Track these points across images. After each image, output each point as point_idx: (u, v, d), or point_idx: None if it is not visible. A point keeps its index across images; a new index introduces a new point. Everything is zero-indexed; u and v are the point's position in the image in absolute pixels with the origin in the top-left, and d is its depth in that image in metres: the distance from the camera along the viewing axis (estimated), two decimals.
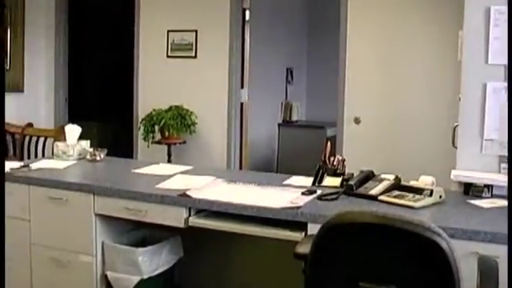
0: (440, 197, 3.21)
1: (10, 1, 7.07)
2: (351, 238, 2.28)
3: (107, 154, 4.63)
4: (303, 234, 3.04)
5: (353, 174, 3.59)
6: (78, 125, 4.71)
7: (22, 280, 4.09)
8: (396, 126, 5.71)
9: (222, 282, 3.99)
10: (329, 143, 3.83)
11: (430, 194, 3.17)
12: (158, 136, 6.31)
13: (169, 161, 6.18)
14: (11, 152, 7.10)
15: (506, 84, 3.33)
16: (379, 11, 5.75)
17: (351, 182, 3.42)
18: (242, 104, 6.62)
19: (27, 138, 7.05)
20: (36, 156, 6.85)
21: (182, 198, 3.39)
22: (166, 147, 6.30)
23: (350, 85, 5.86)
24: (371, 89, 5.79)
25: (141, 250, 3.65)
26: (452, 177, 3.49)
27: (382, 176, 3.47)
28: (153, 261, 3.68)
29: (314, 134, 7.95)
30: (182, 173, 4.09)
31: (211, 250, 3.97)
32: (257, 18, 6.99)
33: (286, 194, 3.41)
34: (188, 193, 3.44)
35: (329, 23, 7.31)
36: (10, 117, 7.01)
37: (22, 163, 4.41)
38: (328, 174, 3.67)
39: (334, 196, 3.31)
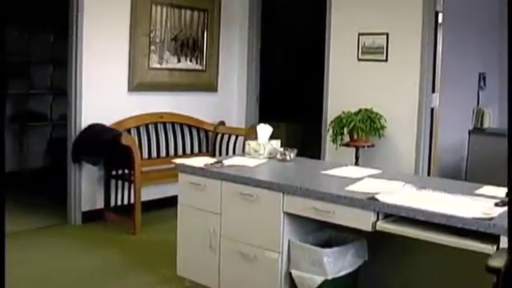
0: None
1: (207, 4, 7.39)
2: None
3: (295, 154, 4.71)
4: (495, 247, 2.92)
5: None
6: (268, 124, 4.83)
7: (210, 270, 4.28)
8: None
9: None
10: None
11: None
12: (346, 138, 6.31)
13: (356, 163, 6.16)
14: (204, 148, 7.42)
15: None
16: None
17: None
18: (432, 109, 6.45)
19: (219, 136, 7.34)
20: (227, 153, 7.11)
21: (370, 202, 3.37)
22: (353, 150, 6.28)
23: None
24: None
25: (326, 250, 3.67)
26: None
27: None
28: (337, 262, 3.69)
29: (506, 143, 7.58)
30: (371, 176, 4.07)
31: (396, 256, 3.91)
32: (450, 21, 6.77)
33: (478, 204, 3.28)
34: (377, 196, 3.41)
35: None
36: (204, 115, 7.37)
37: (215, 159, 4.59)
38: None
39: None
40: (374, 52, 6.52)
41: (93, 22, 6.25)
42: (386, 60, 6.42)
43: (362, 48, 6.62)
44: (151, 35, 6.81)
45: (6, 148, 7.35)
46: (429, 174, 6.38)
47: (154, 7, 6.79)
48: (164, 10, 6.92)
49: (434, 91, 6.41)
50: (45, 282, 4.77)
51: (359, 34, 6.62)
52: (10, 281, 4.80)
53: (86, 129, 6.27)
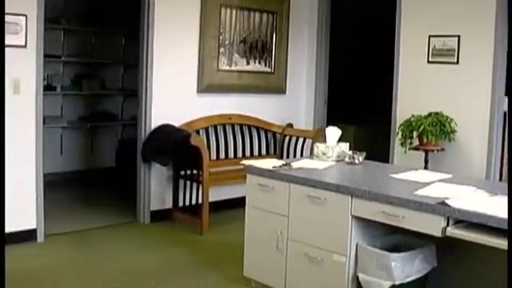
0: None
1: (276, 6, 7.41)
2: None
3: None
4: None
5: None
6: (336, 126, 4.81)
7: (276, 271, 4.30)
8: None
9: None
10: None
11: None
12: (415, 142, 6.23)
13: (425, 167, 6.07)
14: (272, 150, 7.43)
15: None
16: None
17: None
18: (504, 113, 6.31)
19: (287, 138, 7.34)
20: (294, 155, 7.11)
21: (440, 207, 3.32)
22: (423, 154, 6.19)
23: None
24: None
25: (394, 255, 3.64)
26: None
27: None
28: (405, 267, 3.65)
29: None
30: (441, 181, 4.01)
31: (466, 263, 3.84)
32: None
33: None
34: (447, 201, 3.35)
35: None
36: (272, 117, 7.39)
37: (283, 161, 4.60)
38: None
39: None
40: (444, 54, 6.42)
41: (163, 25, 6.35)
42: (457, 62, 6.30)
43: (432, 50, 6.52)
44: (220, 37, 6.87)
45: (75, 147, 7.46)
46: (501, 179, 6.25)
47: (223, 10, 6.85)
48: (233, 12, 6.97)
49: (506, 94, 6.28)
50: (113, 278, 4.86)
51: (429, 36, 6.52)
52: (79, 277, 4.96)
53: (155, 129, 6.37)
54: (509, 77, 6.10)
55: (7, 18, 5.25)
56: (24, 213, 5.58)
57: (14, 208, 5.49)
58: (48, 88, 7.64)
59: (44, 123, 5.89)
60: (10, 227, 5.41)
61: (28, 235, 5.59)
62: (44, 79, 6.12)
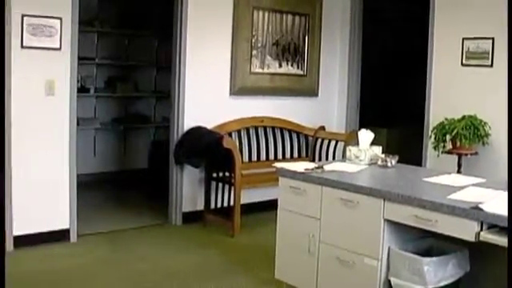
0: None
1: (308, 8, 7.41)
2: None
3: None
4: None
5: None
6: (368, 129, 4.79)
7: (308, 274, 4.29)
8: None
9: None
10: None
11: None
12: (448, 146, 6.18)
13: (458, 171, 6.01)
14: (304, 153, 7.42)
15: None
16: None
17: None
18: None
19: (319, 141, 7.33)
20: (326, 158, 7.09)
21: (474, 211, 3.28)
22: (456, 157, 6.14)
23: None
24: None
25: (427, 259, 3.61)
26: None
27: None
28: (438, 272, 3.62)
29: None
30: (475, 185, 3.97)
31: (500, 268, 3.78)
32: None
33: None
34: (481, 206, 3.31)
35: None
36: (304, 120, 7.38)
37: (315, 164, 4.58)
38: None
39: None
40: (478, 57, 6.35)
41: (196, 28, 6.39)
42: (492, 65, 6.24)
43: (465, 53, 6.45)
44: (253, 40, 6.89)
45: (108, 149, 7.55)
46: None
47: (255, 12, 6.86)
48: (265, 14, 6.98)
49: None
50: (144, 279, 4.90)
51: (463, 39, 6.46)
52: (111, 277, 5.01)
53: (188, 131, 6.41)
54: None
55: (43, 21, 5.35)
56: (57, 213, 5.65)
57: (48, 208, 5.59)
58: (82, 90, 7.71)
59: (78, 125, 5.95)
60: (43, 227, 5.55)
61: (61, 235, 5.66)
62: (78, 81, 6.19)
